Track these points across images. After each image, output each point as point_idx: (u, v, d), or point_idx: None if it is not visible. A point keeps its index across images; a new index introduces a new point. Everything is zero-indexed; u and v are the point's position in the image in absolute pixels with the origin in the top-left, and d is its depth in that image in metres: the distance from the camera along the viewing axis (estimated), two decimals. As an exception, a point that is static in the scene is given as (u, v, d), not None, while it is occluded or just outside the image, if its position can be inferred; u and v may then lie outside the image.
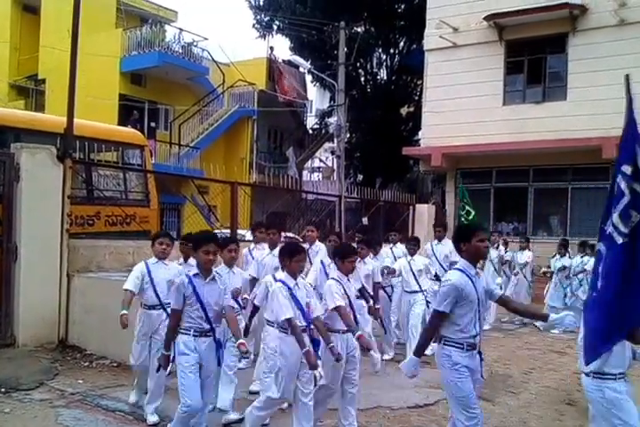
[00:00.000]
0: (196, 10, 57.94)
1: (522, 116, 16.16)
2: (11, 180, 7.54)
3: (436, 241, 9.29)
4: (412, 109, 26.08)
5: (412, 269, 8.30)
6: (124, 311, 5.32)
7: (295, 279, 4.73)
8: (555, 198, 16.71)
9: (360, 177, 27.46)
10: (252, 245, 7.95)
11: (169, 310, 4.80)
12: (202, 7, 59.74)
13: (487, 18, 16.39)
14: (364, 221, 14.59)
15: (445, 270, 8.24)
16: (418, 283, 8.27)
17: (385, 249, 9.36)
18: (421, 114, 18.56)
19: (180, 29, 21.72)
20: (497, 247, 11.96)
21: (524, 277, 12.01)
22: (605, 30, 15.36)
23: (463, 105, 16.66)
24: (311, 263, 7.06)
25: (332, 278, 5.13)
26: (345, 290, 5.02)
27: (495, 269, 11.55)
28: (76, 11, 8.37)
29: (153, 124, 21.19)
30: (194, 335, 4.40)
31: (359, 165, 27.23)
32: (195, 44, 21.80)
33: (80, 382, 6.48)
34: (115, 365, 7.06)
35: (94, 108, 16.31)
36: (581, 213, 16.20)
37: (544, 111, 16.00)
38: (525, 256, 12.05)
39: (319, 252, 7.53)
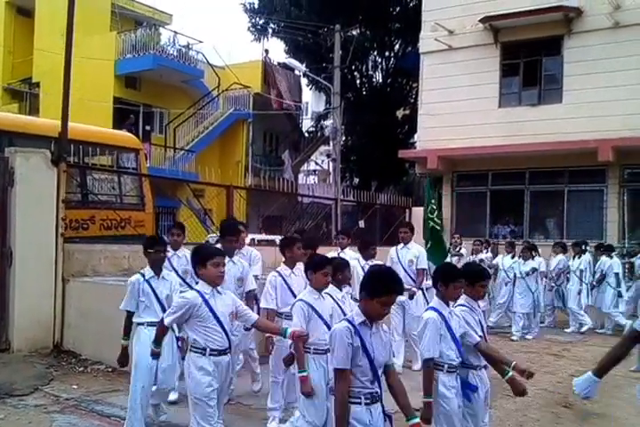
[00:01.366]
0: (191, 13, 57.99)
1: (518, 119, 16.15)
2: (5, 184, 7.50)
3: (400, 244, 8.31)
4: (407, 112, 26.10)
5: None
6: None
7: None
8: (551, 201, 16.69)
9: (356, 180, 27.45)
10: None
11: None
12: (197, 10, 59.79)
13: (482, 20, 16.38)
14: (361, 224, 14.57)
15: (412, 278, 7.86)
16: None
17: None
18: (417, 116, 18.53)
19: (175, 32, 21.74)
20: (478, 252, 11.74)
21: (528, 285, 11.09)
22: (600, 33, 15.36)
23: (459, 107, 16.64)
24: None
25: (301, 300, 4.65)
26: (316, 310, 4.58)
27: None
28: (70, 14, 8.34)
29: (148, 128, 21.15)
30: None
31: (355, 167, 27.22)
32: (190, 46, 21.78)
33: (75, 387, 6.44)
34: (110, 370, 7.01)
35: (89, 112, 16.26)
36: (578, 215, 16.19)
37: (540, 114, 15.99)
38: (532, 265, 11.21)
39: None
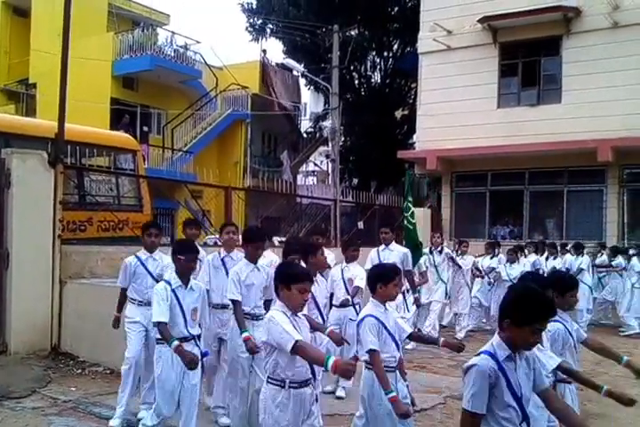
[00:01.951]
0: (188, 13, 57.98)
1: (517, 119, 16.14)
2: (1, 185, 7.46)
3: (382, 246, 7.73)
4: (406, 113, 26.09)
5: (343, 278, 6.56)
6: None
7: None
8: (551, 201, 16.68)
9: (355, 181, 27.42)
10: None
11: None
12: (194, 10, 59.77)
13: (481, 20, 16.37)
14: (360, 225, 14.52)
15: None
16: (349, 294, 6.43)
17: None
18: (416, 117, 18.52)
19: (173, 33, 21.72)
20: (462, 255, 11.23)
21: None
22: (599, 33, 15.36)
23: (458, 108, 16.63)
24: None
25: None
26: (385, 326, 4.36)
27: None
28: (66, 14, 8.29)
29: (145, 129, 21.11)
30: None
31: (354, 168, 27.19)
32: (187, 47, 21.74)
33: (73, 389, 6.40)
34: (108, 372, 6.97)
35: (86, 113, 16.21)
36: (577, 215, 16.19)
37: (539, 114, 15.98)
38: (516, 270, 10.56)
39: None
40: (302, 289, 3.60)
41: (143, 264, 5.72)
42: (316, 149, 27.44)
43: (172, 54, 20.95)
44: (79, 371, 7.10)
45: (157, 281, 5.07)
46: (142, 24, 22.26)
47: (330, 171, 23.28)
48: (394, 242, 7.79)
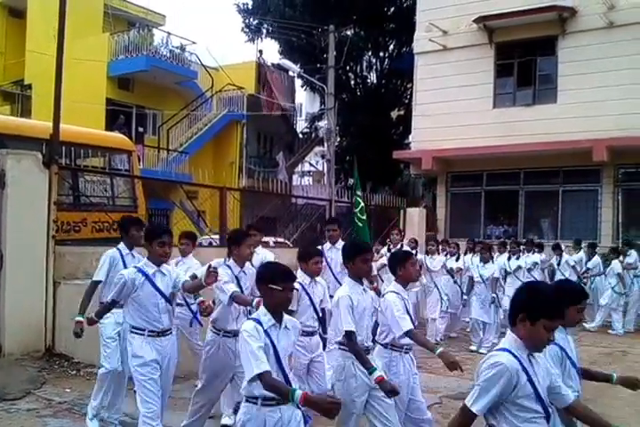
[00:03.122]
0: (184, 14, 57.83)
1: (512, 119, 16.17)
2: (-5, 186, 7.43)
3: (327, 244, 7.10)
4: (402, 113, 26.09)
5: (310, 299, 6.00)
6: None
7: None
8: (546, 201, 16.71)
9: (350, 181, 27.39)
10: None
11: None
12: (190, 11, 59.73)
13: (477, 20, 16.40)
14: (355, 225, 14.50)
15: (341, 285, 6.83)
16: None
17: None
18: (412, 117, 18.55)
19: (168, 33, 21.66)
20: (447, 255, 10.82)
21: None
22: (594, 33, 15.40)
23: (453, 108, 16.65)
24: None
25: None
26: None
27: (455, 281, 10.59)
28: (62, 15, 8.28)
29: (141, 129, 21.06)
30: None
31: (349, 168, 27.18)
32: (183, 47, 21.71)
33: (68, 390, 6.39)
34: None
35: (81, 114, 16.16)
36: (572, 215, 16.23)
37: (534, 114, 16.01)
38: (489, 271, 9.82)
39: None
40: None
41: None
42: (311, 149, 27.41)
43: (168, 55, 20.90)
44: (74, 372, 7.08)
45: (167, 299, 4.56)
46: (138, 25, 22.20)
47: (325, 171, 23.27)
48: (340, 240, 7.17)
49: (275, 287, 3.24)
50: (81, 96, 17.37)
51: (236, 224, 13.33)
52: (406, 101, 25.18)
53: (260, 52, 24.42)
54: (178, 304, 5.67)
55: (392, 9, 24.90)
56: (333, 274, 6.80)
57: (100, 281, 5.42)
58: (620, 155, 15.04)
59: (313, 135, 27.04)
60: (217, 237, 10.87)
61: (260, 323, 3.19)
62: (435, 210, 18.16)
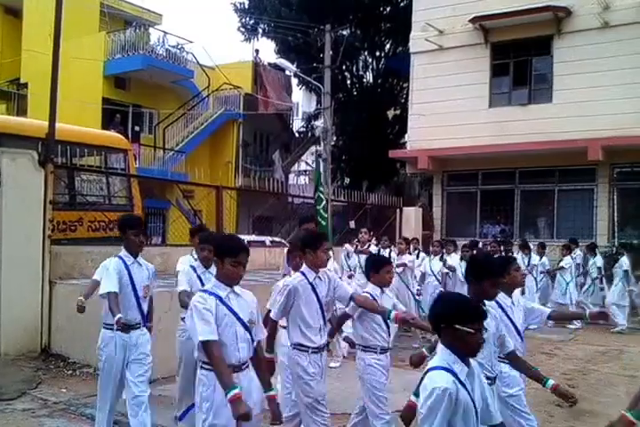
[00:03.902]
0: (180, 13, 57.83)
1: (508, 119, 16.20)
2: (-9, 185, 7.41)
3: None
4: (398, 112, 26.12)
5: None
6: None
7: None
8: (541, 200, 16.76)
9: (347, 180, 27.43)
10: None
11: None
12: (187, 10, 59.66)
13: (472, 20, 16.42)
14: (351, 224, 14.53)
15: None
16: None
17: None
18: (408, 117, 18.56)
19: (165, 32, 21.61)
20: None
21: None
22: (590, 33, 15.43)
23: (449, 107, 16.67)
24: None
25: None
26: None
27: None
28: (58, 14, 8.28)
29: (137, 128, 21.02)
30: None
31: (346, 168, 27.22)
32: (179, 47, 21.67)
33: (63, 390, 6.38)
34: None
35: (77, 113, 16.16)
36: (568, 214, 16.27)
37: (530, 113, 16.04)
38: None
39: None
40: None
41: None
42: (307, 148, 27.41)
43: (164, 54, 20.85)
44: (70, 372, 7.07)
45: None
46: (134, 24, 22.15)
47: (321, 170, 23.26)
48: None
49: (465, 330, 2.68)
50: (77, 95, 17.36)
51: (233, 223, 13.37)
52: (402, 101, 25.21)
53: (257, 51, 24.44)
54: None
55: (388, 8, 24.92)
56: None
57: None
58: (615, 154, 15.08)
59: (309, 134, 27.07)
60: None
61: (455, 374, 2.65)
62: (431, 209, 18.18)
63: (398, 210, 16.51)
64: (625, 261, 11.92)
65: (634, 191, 15.47)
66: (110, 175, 11.20)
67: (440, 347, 2.77)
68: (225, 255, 3.50)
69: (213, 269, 4.52)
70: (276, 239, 14.03)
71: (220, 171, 20.10)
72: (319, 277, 4.57)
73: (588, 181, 15.97)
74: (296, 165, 28.65)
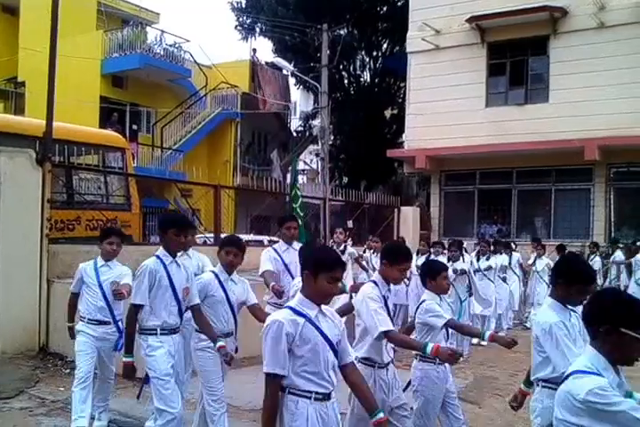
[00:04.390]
0: (178, 12, 57.75)
1: (504, 118, 16.23)
2: (-11, 184, 7.41)
3: (282, 245, 6.21)
4: (395, 112, 26.15)
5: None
6: None
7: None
8: (538, 200, 16.80)
9: (345, 179, 27.45)
10: None
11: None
12: (184, 9, 59.59)
13: (469, 20, 16.45)
14: (349, 224, 14.55)
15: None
16: None
17: None
18: (405, 116, 18.59)
19: (162, 31, 21.59)
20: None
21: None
22: (586, 33, 15.48)
23: (446, 107, 16.69)
24: None
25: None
26: None
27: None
28: (54, 12, 8.27)
29: (135, 127, 21.00)
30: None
31: (344, 167, 27.23)
32: (177, 45, 21.66)
33: (61, 389, 6.37)
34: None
35: (75, 111, 16.13)
36: (565, 214, 16.31)
37: (526, 113, 16.08)
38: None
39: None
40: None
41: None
42: (305, 147, 27.43)
43: (162, 53, 20.83)
44: (67, 371, 7.05)
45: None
46: (131, 22, 22.13)
47: (319, 170, 23.30)
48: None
49: (634, 335, 2.32)
50: (74, 94, 17.32)
51: (231, 222, 13.35)
52: (400, 100, 25.23)
53: (254, 50, 24.42)
54: (104, 322, 5.12)
55: (385, 8, 24.95)
56: (293, 279, 5.67)
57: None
58: (611, 154, 15.12)
59: (307, 134, 27.09)
60: (211, 235, 10.89)
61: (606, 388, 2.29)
62: (428, 209, 18.22)
63: (396, 209, 16.53)
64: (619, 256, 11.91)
65: (630, 191, 15.52)
66: (108, 174, 11.19)
67: (589, 349, 2.45)
68: (320, 270, 3.00)
69: (235, 275, 4.66)
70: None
71: (217, 170, 20.08)
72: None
73: (585, 180, 16.01)
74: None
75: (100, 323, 5.08)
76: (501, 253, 11.22)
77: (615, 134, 14.48)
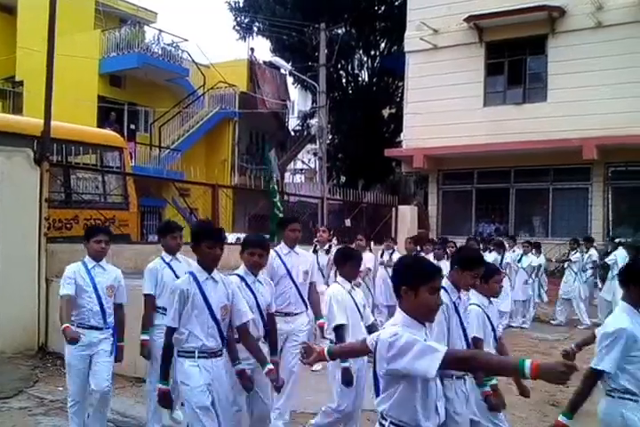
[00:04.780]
0: (176, 11, 57.72)
1: (502, 118, 16.25)
2: (-13, 183, 7.40)
3: (284, 247, 5.60)
4: (393, 111, 26.16)
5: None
6: None
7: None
8: (536, 199, 16.83)
9: (343, 179, 27.45)
10: None
11: None
12: (182, 8, 59.55)
13: (467, 19, 16.47)
14: (347, 222, 14.56)
15: (302, 298, 5.63)
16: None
17: None
18: (403, 115, 18.60)
19: (160, 30, 21.57)
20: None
21: None
22: (583, 32, 15.52)
23: (444, 106, 16.71)
24: None
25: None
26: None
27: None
28: (52, 11, 8.25)
29: (133, 127, 20.99)
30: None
31: (342, 166, 27.24)
32: (175, 45, 21.64)
33: (60, 389, 6.34)
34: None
35: (73, 111, 16.10)
36: (563, 213, 16.34)
37: (524, 112, 16.10)
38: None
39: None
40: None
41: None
42: (303, 146, 27.41)
43: (160, 52, 20.82)
44: (66, 371, 7.06)
45: None
46: (129, 22, 22.11)
47: (317, 169, 23.31)
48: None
49: None
50: (72, 93, 17.29)
51: (229, 221, 13.35)
52: (397, 100, 25.23)
53: (252, 49, 24.43)
54: (96, 328, 4.73)
55: (383, 8, 24.93)
56: (295, 285, 5.38)
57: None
58: (609, 153, 15.14)
59: (305, 133, 27.08)
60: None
61: None
62: (426, 208, 18.23)
63: (394, 208, 16.54)
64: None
65: (628, 190, 15.54)
66: (106, 173, 11.17)
67: None
68: (421, 282, 2.65)
69: (260, 276, 4.50)
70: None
71: (215, 169, 20.08)
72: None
73: (583, 180, 16.04)
74: (292, 163, 28.65)
75: (92, 328, 4.68)
76: (490, 252, 10.95)
77: (613, 134, 14.51)
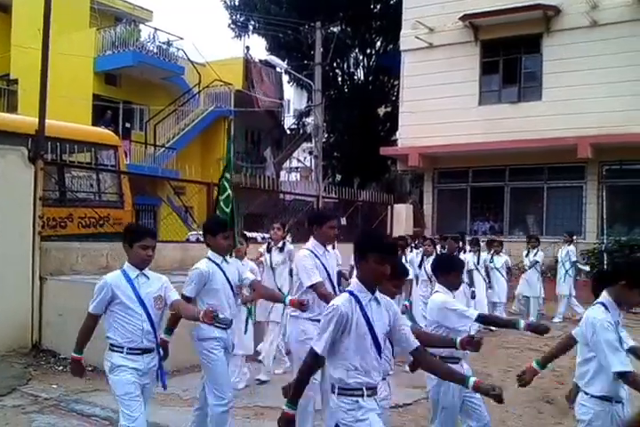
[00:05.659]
0: (171, 9, 57.62)
1: (498, 116, 16.28)
2: (-20, 181, 7.39)
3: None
4: (389, 109, 26.18)
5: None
6: None
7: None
8: (531, 197, 16.88)
9: (338, 177, 27.48)
10: None
11: None
12: (177, 7, 59.44)
13: (462, 18, 16.48)
14: (342, 221, 14.56)
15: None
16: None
17: None
18: (398, 114, 18.62)
19: (155, 29, 21.53)
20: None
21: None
22: (578, 31, 15.55)
23: (439, 105, 16.73)
24: None
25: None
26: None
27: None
28: (47, 9, 8.24)
29: (128, 125, 20.96)
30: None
31: (337, 164, 27.26)
32: (170, 43, 21.62)
33: (54, 386, 6.36)
34: (90, 369, 6.87)
35: (67, 109, 16.06)
36: (557, 211, 16.39)
37: (520, 111, 16.14)
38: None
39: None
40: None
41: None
42: (299, 145, 27.44)
43: (155, 50, 20.79)
44: (60, 368, 7.04)
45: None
46: (125, 20, 22.08)
47: (313, 167, 23.31)
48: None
49: None
50: (67, 91, 17.26)
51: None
52: (393, 98, 25.26)
53: (247, 48, 24.41)
54: (148, 350, 3.99)
55: (378, 6, 24.95)
56: (334, 287, 4.94)
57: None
58: (603, 152, 15.19)
59: (300, 131, 27.10)
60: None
61: None
62: (422, 206, 18.26)
63: (389, 207, 16.56)
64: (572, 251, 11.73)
65: (622, 189, 15.60)
66: (100, 172, 11.16)
67: None
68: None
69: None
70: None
71: (211, 168, 19.99)
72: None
73: (578, 178, 16.09)
74: (287, 161, 28.66)
75: (144, 351, 3.90)
76: (465, 252, 10.48)
77: (608, 132, 14.56)
